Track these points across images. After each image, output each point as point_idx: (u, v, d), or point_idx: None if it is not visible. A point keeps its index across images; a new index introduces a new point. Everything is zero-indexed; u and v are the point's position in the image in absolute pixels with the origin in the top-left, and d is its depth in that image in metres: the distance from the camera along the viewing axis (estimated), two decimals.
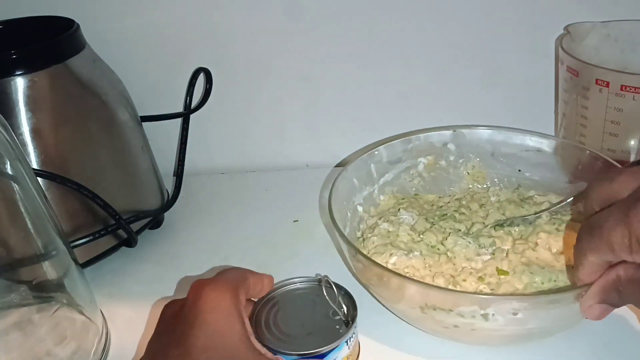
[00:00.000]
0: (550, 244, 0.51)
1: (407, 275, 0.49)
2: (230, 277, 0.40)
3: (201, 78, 0.69)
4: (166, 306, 0.41)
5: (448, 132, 0.60)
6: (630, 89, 0.53)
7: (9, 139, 0.42)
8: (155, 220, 0.63)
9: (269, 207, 0.69)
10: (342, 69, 0.71)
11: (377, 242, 0.53)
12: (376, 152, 0.58)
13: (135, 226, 0.58)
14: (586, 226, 0.36)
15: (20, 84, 0.52)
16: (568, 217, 0.54)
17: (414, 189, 0.61)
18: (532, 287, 0.47)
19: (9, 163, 0.42)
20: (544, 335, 0.46)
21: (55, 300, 0.48)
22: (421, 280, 0.48)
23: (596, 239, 0.35)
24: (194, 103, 0.69)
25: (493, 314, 0.41)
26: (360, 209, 0.58)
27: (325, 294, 0.43)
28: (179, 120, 0.69)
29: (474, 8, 0.66)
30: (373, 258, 0.49)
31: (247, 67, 0.71)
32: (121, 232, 0.57)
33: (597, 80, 0.55)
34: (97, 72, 0.58)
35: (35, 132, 0.52)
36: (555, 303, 0.41)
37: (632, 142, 0.55)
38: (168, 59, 0.71)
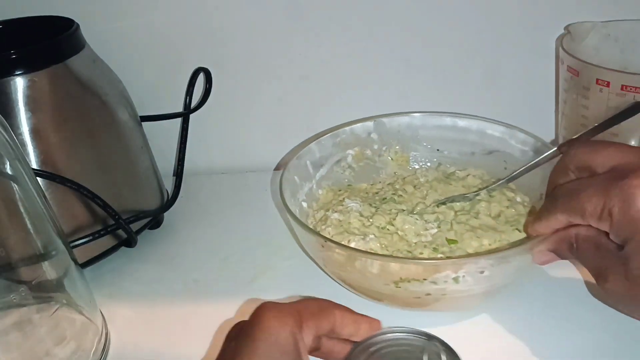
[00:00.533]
0: (490, 210, 0.56)
1: None
2: (301, 307, 0.34)
3: (201, 78, 0.69)
4: (232, 327, 0.37)
5: (370, 123, 0.64)
6: (631, 89, 0.53)
7: (8, 139, 0.42)
8: (155, 220, 0.63)
9: (269, 207, 0.69)
10: (342, 69, 0.71)
11: (333, 232, 0.54)
12: (309, 149, 0.60)
13: (135, 226, 0.58)
14: (565, 189, 0.40)
15: (20, 84, 0.52)
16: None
17: (346, 180, 0.64)
18: (482, 249, 0.51)
19: (8, 163, 0.42)
20: (502, 290, 0.49)
21: (55, 300, 0.48)
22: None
23: (573, 202, 0.39)
24: (194, 103, 0.69)
25: (463, 276, 0.44)
26: (305, 204, 0.59)
27: (427, 352, 0.36)
28: (178, 120, 0.69)
29: (474, 8, 0.66)
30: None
31: (247, 67, 0.71)
32: (121, 232, 0.57)
33: (597, 80, 0.55)
34: (97, 72, 0.58)
35: (35, 132, 0.52)
36: (517, 255, 0.45)
37: (632, 142, 0.55)
38: (168, 59, 0.71)
